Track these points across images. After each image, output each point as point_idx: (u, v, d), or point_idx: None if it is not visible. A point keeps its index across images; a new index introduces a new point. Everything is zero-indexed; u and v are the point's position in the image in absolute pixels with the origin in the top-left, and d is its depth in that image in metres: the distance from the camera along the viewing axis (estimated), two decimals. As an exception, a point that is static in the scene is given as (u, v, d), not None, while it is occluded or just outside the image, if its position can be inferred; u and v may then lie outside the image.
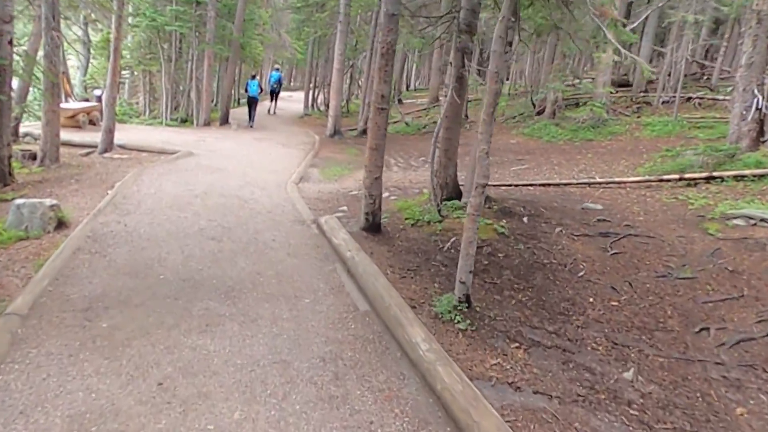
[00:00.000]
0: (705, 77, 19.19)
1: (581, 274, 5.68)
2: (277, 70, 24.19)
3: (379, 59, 5.80)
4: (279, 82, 22.98)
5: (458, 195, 7.37)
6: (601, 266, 5.91)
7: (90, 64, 22.76)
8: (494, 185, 9.62)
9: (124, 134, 13.81)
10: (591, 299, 5.28)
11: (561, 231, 6.57)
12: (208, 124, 18.40)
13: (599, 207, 7.59)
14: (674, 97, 16.90)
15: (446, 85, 28.33)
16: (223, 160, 11.52)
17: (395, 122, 22.26)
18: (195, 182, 9.02)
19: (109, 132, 12.00)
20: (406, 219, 6.82)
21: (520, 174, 11.11)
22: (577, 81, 16.02)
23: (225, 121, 18.96)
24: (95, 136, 12.24)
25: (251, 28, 22.69)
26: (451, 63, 6.81)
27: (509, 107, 21.85)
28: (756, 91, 9.45)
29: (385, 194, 9.26)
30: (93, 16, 18.54)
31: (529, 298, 5.18)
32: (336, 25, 17.33)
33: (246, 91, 19.20)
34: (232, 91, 22.51)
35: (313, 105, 26.05)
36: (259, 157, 12.47)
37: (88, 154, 11.57)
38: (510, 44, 6.30)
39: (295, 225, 7.05)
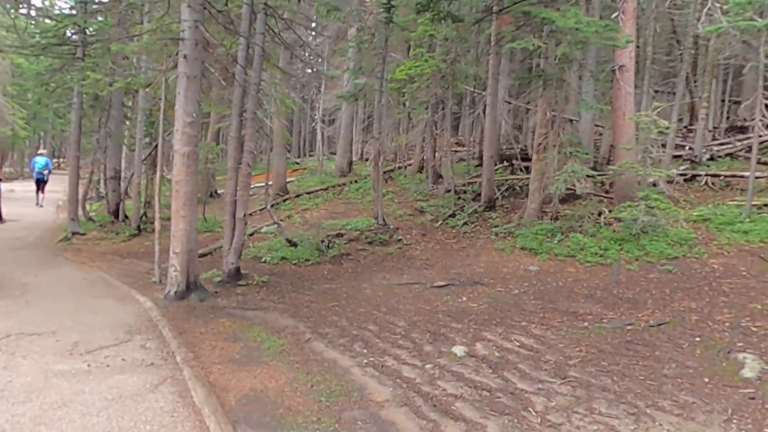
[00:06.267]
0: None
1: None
2: (42, 154, 21.61)
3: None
4: (47, 167, 20.21)
5: None
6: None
7: None
8: None
9: None
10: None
11: None
12: None
13: None
14: (683, 174, 12.64)
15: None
16: None
17: (257, 230, 13.58)
18: None
19: None
20: None
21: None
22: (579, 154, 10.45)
23: None
24: None
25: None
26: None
27: (434, 202, 14.92)
28: None
29: None
30: None
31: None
32: (177, 64, 8.45)
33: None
34: None
35: (81, 207, 15.37)
36: None
37: None
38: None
39: None
